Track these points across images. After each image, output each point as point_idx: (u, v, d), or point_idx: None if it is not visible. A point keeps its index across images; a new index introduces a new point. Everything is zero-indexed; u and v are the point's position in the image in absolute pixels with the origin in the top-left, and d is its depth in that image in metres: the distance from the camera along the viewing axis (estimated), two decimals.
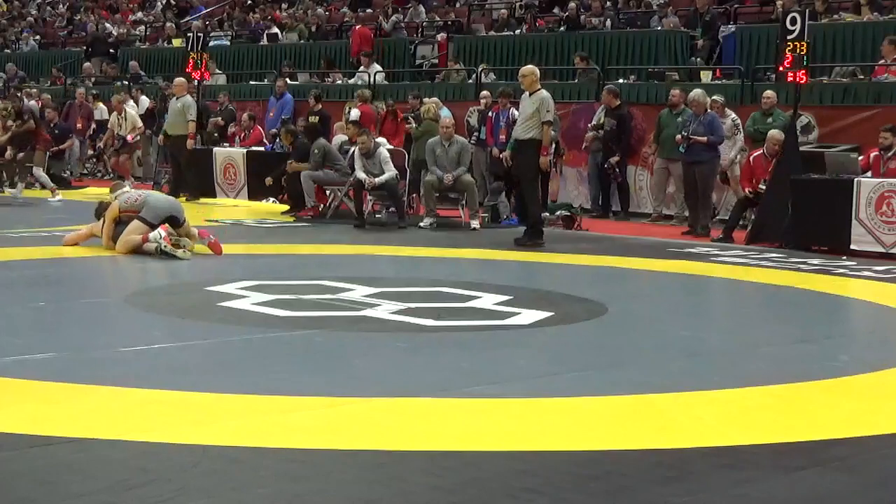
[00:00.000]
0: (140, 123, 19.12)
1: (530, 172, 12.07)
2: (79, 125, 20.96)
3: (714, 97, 14.22)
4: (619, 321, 7.76)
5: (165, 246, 10.01)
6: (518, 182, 12.47)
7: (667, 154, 14.27)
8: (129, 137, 19.16)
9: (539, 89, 11.97)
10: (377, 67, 19.95)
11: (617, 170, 15.12)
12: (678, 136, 13.53)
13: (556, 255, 11.20)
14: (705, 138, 13.24)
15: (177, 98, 16.87)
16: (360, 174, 13.48)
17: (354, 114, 16.60)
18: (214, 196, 17.04)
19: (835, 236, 11.81)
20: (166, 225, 10.28)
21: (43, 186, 16.26)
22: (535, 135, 11.82)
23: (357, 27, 22.19)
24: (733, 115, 14.17)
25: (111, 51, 26.52)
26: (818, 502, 4.02)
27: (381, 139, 14.71)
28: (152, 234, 10.16)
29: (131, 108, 19.83)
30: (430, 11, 22.92)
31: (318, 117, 16.68)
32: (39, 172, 16.05)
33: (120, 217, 10.39)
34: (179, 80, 17.31)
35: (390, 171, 13.54)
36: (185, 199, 16.23)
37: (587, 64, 17.20)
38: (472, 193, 13.79)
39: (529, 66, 12.38)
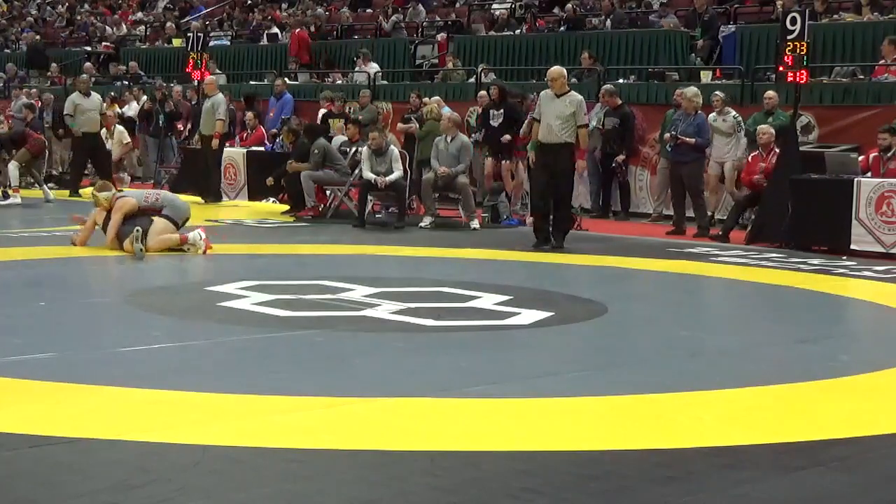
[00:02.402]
0: (127, 139, 18.92)
1: (570, 176, 11.88)
2: (179, 126, 19.96)
3: (716, 93, 14.18)
4: (619, 321, 7.76)
5: (141, 245, 10.08)
6: (547, 183, 11.73)
7: (666, 155, 14.26)
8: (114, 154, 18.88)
9: (569, 91, 11.70)
10: (375, 66, 19.96)
11: (624, 167, 15.13)
12: (666, 135, 13.51)
13: (556, 255, 11.18)
14: (693, 140, 13.20)
15: (208, 97, 16.74)
16: (369, 174, 13.45)
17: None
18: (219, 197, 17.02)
19: (835, 236, 11.81)
20: (204, 228, 10.57)
21: (2, 183, 15.85)
22: (571, 137, 11.56)
23: (296, 31, 22.25)
24: (734, 112, 14.13)
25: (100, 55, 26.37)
26: (818, 502, 4.02)
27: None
28: (191, 235, 10.35)
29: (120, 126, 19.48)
30: (430, 11, 22.93)
31: (343, 120, 16.26)
32: (13, 167, 15.56)
33: (135, 214, 10.43)
34: (210, 78, 17.20)
35: (399, 171, 13.54)
36: (205, 200, 16.26)
37: (594, 63, 17.19)
38: (467, 196, 13.76)
39: (559, 68, 11.92)
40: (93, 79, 24.93)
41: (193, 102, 19.14)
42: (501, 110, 15.32)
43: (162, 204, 10.62)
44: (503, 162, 15.23)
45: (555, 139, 11.50)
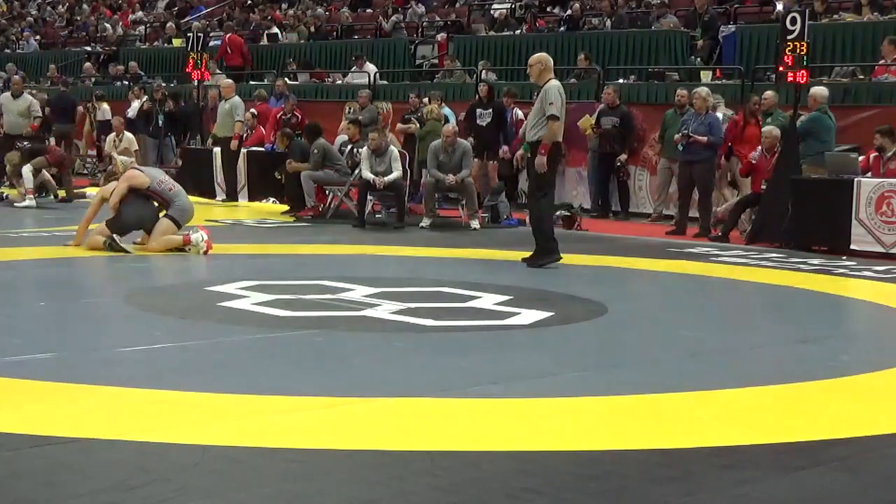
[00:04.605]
0: (136, 147, 18.86)
1: (538, 179, 10.24)
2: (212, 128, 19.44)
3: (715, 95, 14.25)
4: (619, 321, 7.75)
5: (115, 242, 10.16)
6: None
7: (670, 154, 14.25)
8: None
9: (549, 80, 10.15)
10: (373, 68, 19.96)
11: (627, 167, 15.15)
12: (677, 136, 13.52)
13: None
14: (705, 138, 13.23)
15: (225, 100, 16.68)
16: (367, 174, 13.46)
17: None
18: (214, 196, 17.04)
19: (835, 236, 11.81)
20: (208, 229, 10.56)
21: (13, 184, 15.70)
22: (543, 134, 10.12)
23: (228, 34, 22.28)
24: (724, 113, 14.14)
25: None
26: (818, 502, 4.02)
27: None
28: (194, 237, 10.34)
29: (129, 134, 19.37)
30: (430, 11, 22.93)
31: (416, 124, 15.81)
32: (27, 171, 15.47)
33: (146, 192, 10.47)
34: (227, 81, 17.20)
35: (398, 171, 13.55)
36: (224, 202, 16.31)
37: (589, 63, 17.21)
38: (471, 195, 13.80)
39: (536, 55, 10.51)
40: (93, 79, 25.07)
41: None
42: (490, 109, 15.31)
43: (172, 199, 10.59)
44: (490, 162, 15.24)
45: (530, 137, 10.20)
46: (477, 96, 15.63)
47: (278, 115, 17.68)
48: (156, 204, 10.60)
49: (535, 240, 10.39)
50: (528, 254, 10.41)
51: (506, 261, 10.97)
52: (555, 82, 10.12)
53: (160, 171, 11.74)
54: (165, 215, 10.52)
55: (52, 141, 18.37)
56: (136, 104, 20.68)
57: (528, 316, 7.52)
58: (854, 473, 4.31)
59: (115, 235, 10.24)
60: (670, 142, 14.19)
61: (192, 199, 12.98)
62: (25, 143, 16.24)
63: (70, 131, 20.55)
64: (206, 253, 10.35)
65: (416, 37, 22.05)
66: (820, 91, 12.99)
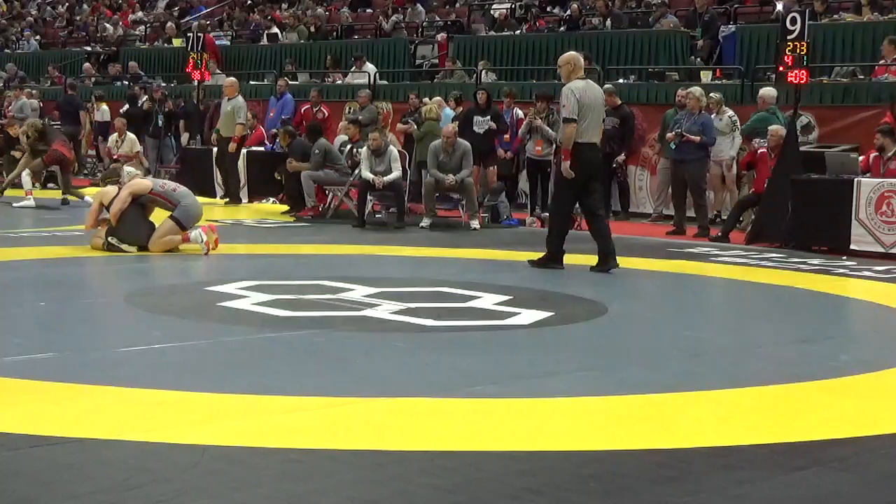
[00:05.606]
0: (138, 147, 18.85)
1: (557, 185, 10.05)
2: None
3: (711, 94, 14.23)
4: (619, 321, 7.76)
5: (115, 241, 10.18)
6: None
7: (670, 154, 14.24)
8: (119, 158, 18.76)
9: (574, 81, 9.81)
10: (372, 68, 19.95)
11: (624, 168, 15.15)
12: (669, 134, 13.53)
13: None
14: (698, 138, 13.23)
15: (228, 99, 16.65)
16: (367, 174, 13.47)
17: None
18: (214, 196, 17.04)
19: (835, 236, 11.82)
20: (205, 226, 10.52)
21: (15, 185, 15.74)
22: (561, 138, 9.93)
23: (203, 34, 22.42)
24: (730, 112, 14.16)
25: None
26: (818, 502, 4.02)
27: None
28: (192, 235, 10.32)
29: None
30: (430, 11, 22.93)
31: (414, 126, 15.77)
32: (26, 175, 15.25)
33: (148, 197, 10.47)
34: (230, 80, 17.20)
35: (398, 171, 13.55)
36: (224, 202, 16.35)
37: (589, 64, 17.19)
38: (471, 196, 13.80)
39: (566, 55, 10.18)
40: (93, 79, 25.09)
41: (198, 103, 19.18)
42: (487, 116, 15.23)
43: (177, 200, 10.51)
44: (489, 168, 15.19)
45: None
46: (475, 102, 15.54)
47: (303, 109, 17.76)
48: (158, 212, 10.56)
49: (547, 245, 10.12)
50: (529, 254, 10.40)
51: (506, 261, 10.97)
52: (573, 83, 9.74)
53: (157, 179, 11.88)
54: (170, 216, 10.48)
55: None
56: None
57: (528, 316, 7.52)
58: (854, 473, 4.31)
59: (112, 239, 10.24)
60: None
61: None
62: (57, 124, 16.34)
63: (77, 133, 20.63)
64: (210, 252, 10.33)
65: (416, 37, 22.05)
66: (768, 92, 13.12)
